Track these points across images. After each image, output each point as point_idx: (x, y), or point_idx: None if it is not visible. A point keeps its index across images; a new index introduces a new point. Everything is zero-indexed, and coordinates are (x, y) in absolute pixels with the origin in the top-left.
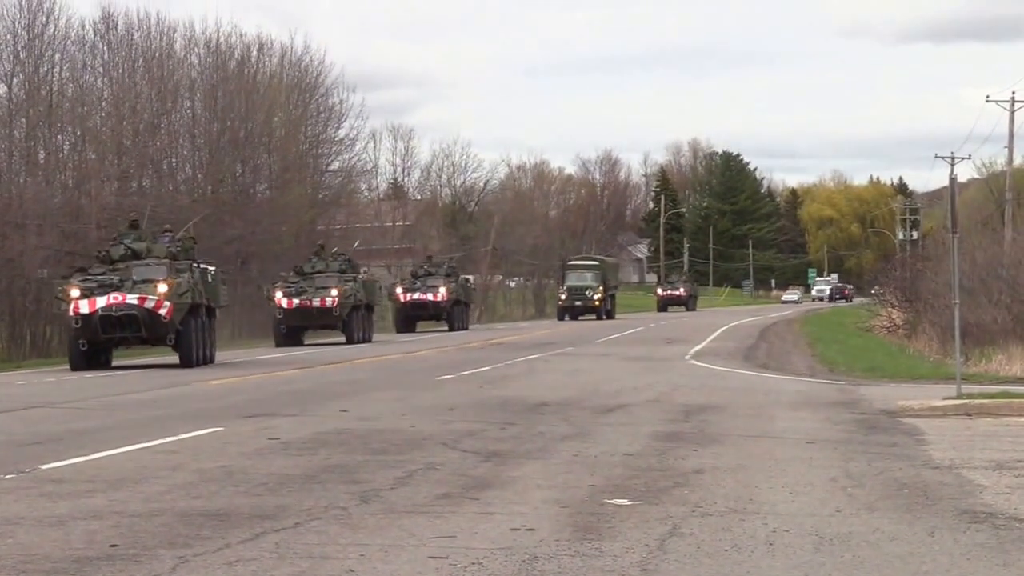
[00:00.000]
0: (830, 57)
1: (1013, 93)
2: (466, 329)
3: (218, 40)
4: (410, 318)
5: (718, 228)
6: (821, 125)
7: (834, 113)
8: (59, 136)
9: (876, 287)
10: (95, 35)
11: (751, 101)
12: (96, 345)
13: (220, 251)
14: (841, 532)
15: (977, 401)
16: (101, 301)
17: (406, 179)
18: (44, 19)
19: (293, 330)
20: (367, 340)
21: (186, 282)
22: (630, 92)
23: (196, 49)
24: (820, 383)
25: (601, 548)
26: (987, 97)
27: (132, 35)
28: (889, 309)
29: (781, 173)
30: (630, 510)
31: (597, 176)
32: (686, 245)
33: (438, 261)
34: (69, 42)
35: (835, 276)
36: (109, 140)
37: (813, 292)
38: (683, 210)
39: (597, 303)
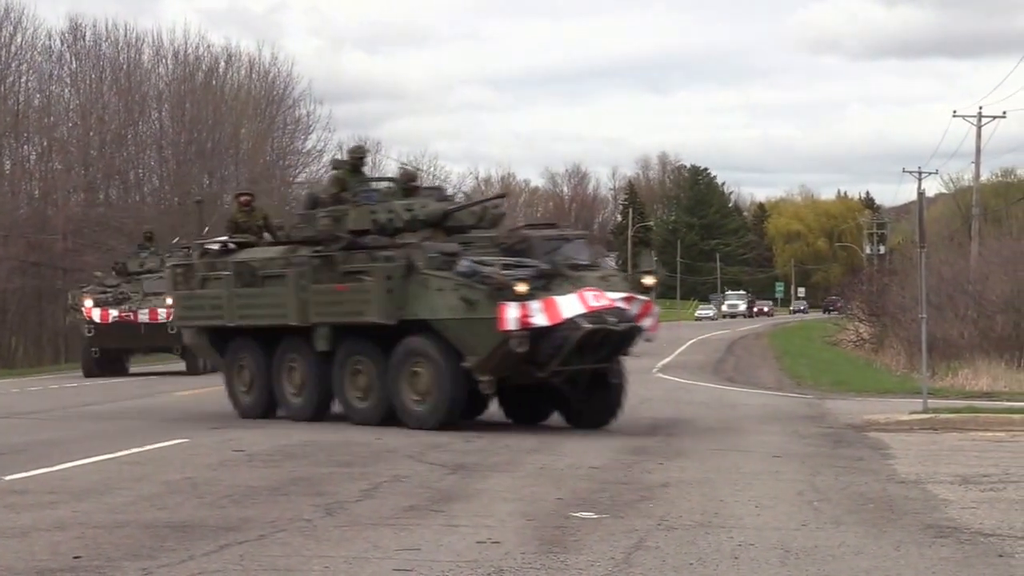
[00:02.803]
0: (798, 72)
1: (980, 108)
2: None
3: (186, 51)
4: None
5: (686, 242)
6: (789, 140)
7: (802, 128)
8: (26, 146)
9: (830, 299)
10: (62, 45)
11: (719, 115)
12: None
13: None
14: (807, 546)
15: (943, 416)
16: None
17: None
18: (11, 29)
19: (111, 354)
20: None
21: None
22: (599, 105)
23: (164, 60)
24: (787, 397)
25: (567, 561)
26: (954, 112)
27: (100, 46)
28: (856, 323)
29: (749, 187)
30: (596, 523)
31: (565, 189)
32: (654, 258)
33: None
34: (36, 52)
35: (802, 290)
36: (76, 150)
37: (724, 307)
38: (651, 223)
39: None
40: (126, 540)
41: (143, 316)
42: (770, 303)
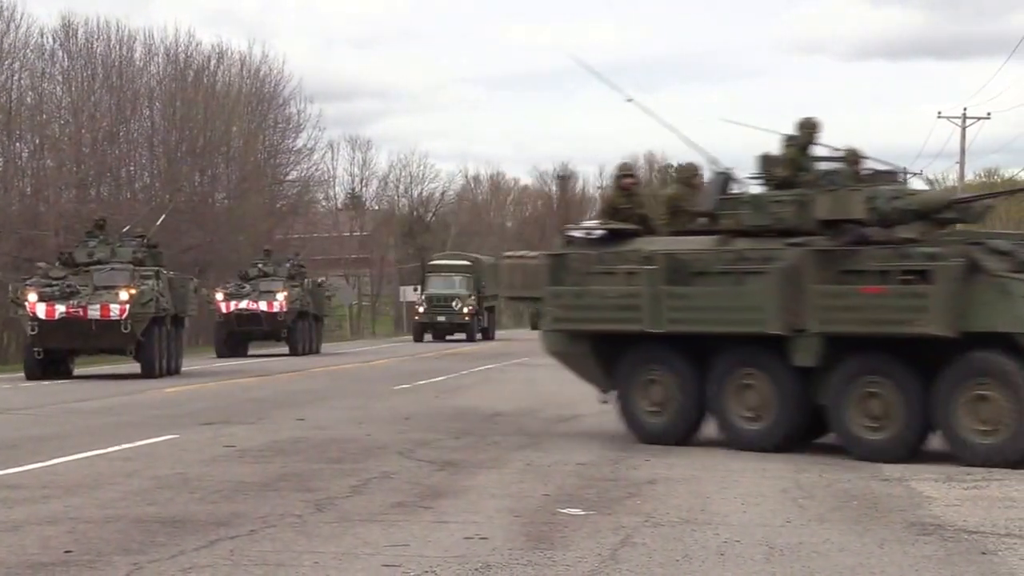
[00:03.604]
0: (785, 73)
1: (965, 109)
2: (316, 353)
3: (177, 49)
4: (237, 336)
5: None
6: (776, 140)
7: (789, 128)
8: (18, 143)
9: None
10: (55, 43)
11: (706, 115)
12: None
13: (177, 260)
14: (791, 543)
15: None
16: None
17: (364, 189)
18: (4, 27)
19: (55, 355)
20: (174, 371)
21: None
22: (587, 104)
23: (156, 58)
24: None
25: (553, 557)
26: (939, 113)
27: (92, 43)
28: None
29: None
30: (583, 520)
31: (553, 187)
32: None
33: (279, 258)
34: (28, 50)
35: None
36: (68, 148)
37: None
38: None
39: (466, 317)
40: (117, 535)
41: (93, 312)
42: None
